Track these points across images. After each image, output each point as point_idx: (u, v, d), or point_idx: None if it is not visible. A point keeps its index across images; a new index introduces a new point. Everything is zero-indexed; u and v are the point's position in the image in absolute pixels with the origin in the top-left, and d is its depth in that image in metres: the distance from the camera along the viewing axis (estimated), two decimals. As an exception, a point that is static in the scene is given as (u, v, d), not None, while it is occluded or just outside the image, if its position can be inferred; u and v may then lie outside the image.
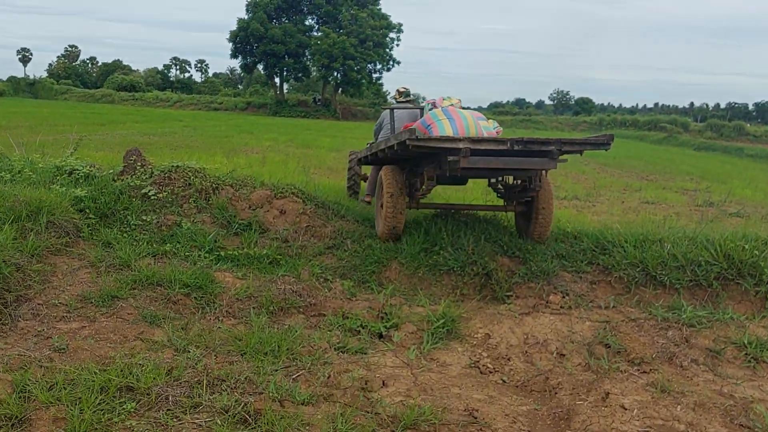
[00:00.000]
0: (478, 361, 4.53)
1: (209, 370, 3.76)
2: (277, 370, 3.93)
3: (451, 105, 6.82)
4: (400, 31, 59.09)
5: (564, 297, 5.51)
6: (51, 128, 23.64)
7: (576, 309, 5.32)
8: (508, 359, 4.59)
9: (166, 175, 6.79)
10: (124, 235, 6.06)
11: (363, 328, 4.88)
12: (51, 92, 67.47)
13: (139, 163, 6.92)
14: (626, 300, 5.56)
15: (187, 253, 5.84)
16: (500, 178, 7.33)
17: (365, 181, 10.93)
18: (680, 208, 11.97)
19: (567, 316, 5.13)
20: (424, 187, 6.52)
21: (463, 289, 5.78)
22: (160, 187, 6.65)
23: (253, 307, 5.04)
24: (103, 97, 65.06)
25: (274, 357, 4.15)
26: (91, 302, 4.78)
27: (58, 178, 6.71)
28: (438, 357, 4.55)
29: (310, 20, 60.20)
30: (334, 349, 4.45)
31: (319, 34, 57.31)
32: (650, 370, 4.46)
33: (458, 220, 6.66)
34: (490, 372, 4.42)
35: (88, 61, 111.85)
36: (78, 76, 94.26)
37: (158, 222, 6.29)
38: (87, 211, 6.20)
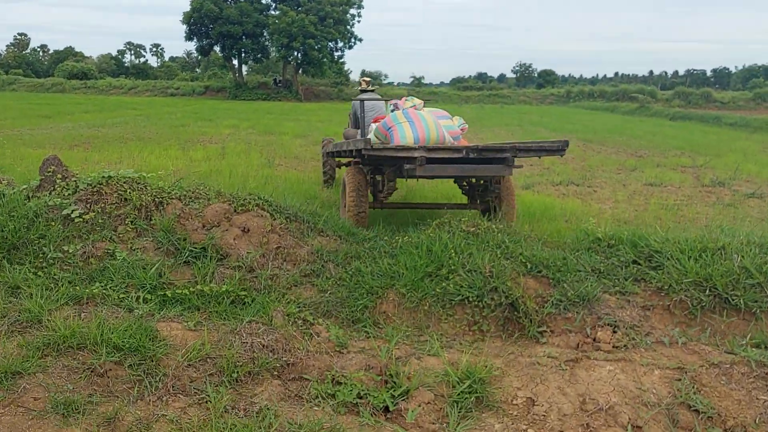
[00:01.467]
0: (526, 445, 3.28)
1: None
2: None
3: (413, 106, 6.93)
4: (360, 7, 57.36)
5: (614, 332, 4.27)
6: (-10, 123, 21.76)
7: (635, 350, 4.09)
8: (565, 438, 3.34)
9: (95, 190, 5.34)
10: (39, 273, 4.63)
11: (362, 400, 3.58)
12: (-3, 83, 64.25)
13: (59, 175, 5.46)
14: (696, 333, 4.34)
15: (121, 296, 4.45)
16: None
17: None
18: (688, 190, 10.89)
19: (628, 363, 3.89)
20: (385, 189, 7.04)
21: (483, 324, 4.50)
22: (88, 206, 5.22)
23: (210, 375, 3.71)
24: (53, 86, 62.22)
25: (241, 471, 2.84)
26: (-18, 384, 3.41)
27: (-48, 199, 5.23)
28: (470, 442, 3.29)
29: (266, -2, 57.92)
30: (327, 443, 3.15)
31: (277, 12, 55.13)
32: (760, 446, 3.27)
33: (466, 231, 5.36)
34: (545, 462, 3.18)
35: (38, 49, 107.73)
36: (29, 65, 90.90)
37: (84, 253, 4.88)
38: (-11, 243, 4.77)
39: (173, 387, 3.56)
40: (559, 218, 7.92)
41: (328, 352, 4.06)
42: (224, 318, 4.37)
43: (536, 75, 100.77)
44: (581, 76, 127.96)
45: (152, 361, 3.73)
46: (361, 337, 4.35)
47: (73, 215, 5.10)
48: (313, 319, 4.46)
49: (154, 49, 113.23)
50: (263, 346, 3.96)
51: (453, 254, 4.90)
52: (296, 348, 4.02)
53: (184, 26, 56.25)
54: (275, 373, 3.82)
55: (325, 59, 56.13)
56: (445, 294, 4.62)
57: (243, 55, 58.89)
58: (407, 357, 4.02)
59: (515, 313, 4.51)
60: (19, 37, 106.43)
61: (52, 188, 5.38)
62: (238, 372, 3.72)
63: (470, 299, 4.56)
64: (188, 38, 57.38)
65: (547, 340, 4.35)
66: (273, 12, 56.62)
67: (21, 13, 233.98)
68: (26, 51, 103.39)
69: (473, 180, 7.37)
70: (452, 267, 4.79)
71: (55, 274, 4.65)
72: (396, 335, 4.30)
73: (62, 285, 4.50)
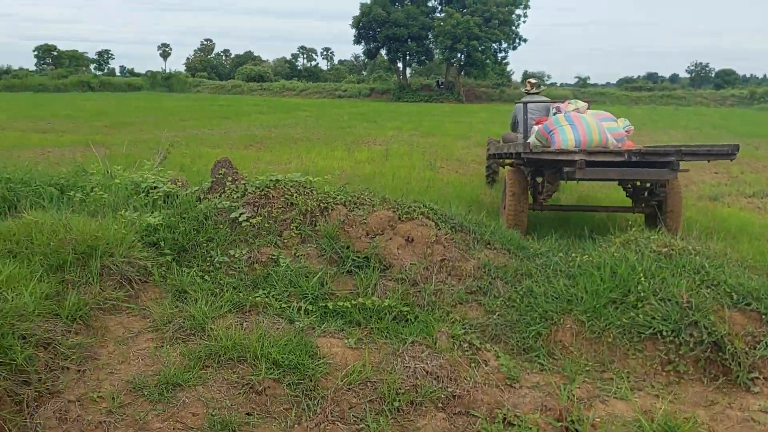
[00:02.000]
0: None
1: None
2: None
3: (576, 109, 6.89)
4: (527, 6, 55.78)
5: None
6: (177, 123, 23.56)
7: None
8: None
9: (263, 193, 5.31)
10: (205, 278, 4.62)
11: (538, 447, 3.13)
12: (185, 85, 70.27)
13: (229, 178, 5.49)
14: None
15: (283, 306, 4.32)
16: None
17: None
18: None
19: None
20: (545, 190, 7.04)
21: (679, 364, 3.86)
22: (255, 209, 5.18)
23: (370, 401, 3.43)
24: (233, 88, 66.80)
25: None
26: (144, 395, 3.35)
27: (132, 198, 5.41)
28: None
29: (432, 1, 58.15)
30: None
31: (443, 15, 55.16)
32: None
33: (657, 252, 4.71)
34: None
35: (221, 54, 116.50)
36: (213, 68, 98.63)
37: (249, 258, 4.82)
38: (161, 244, 4.83)
39: (332, 413, 3.32)
40: (761, 237, 6.92)
41: (498, 384, 3.65)
42: (386, 336, 4.09)
43: (713, 75, 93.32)
44: (765, 76, 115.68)
45: (311, 381, 3.52)
46: (534, 370, 3.89)
47: (240, 219, 5.08)
48: (480, 343, 4.06)
49: (325, 53, 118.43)
50: (426, 372, 3.63)
51: (642, 279, 4.29)
52: (462, 377, 3.64)
53: (353, 30, 57.97)
54: (439, 404, 3.46)
55: (488, 60, 55.27)
56: (633, 325, 4.04)
57: (407, 57, 59.61)
58: (590, 399, 3.51)
59: (719, 353, 3.83)
60: (205, 42, 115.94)
61: (222, 191, 5.42)
62: (399, 400, 3.41)
63: (664, 333, 3.94)
64: (356, 42, 59.05)
65: (760, 389, 3.65)
66: (438, 14, 56.74)
67: (209, 21, 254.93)
68: (211, 55, 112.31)
69: (638, 183, 7.22)
70: (641, 294, 4.18)
71: (220, 279, 4.62)
72: (577, 372, 3.79)
73: (227, 291, 4.45)
